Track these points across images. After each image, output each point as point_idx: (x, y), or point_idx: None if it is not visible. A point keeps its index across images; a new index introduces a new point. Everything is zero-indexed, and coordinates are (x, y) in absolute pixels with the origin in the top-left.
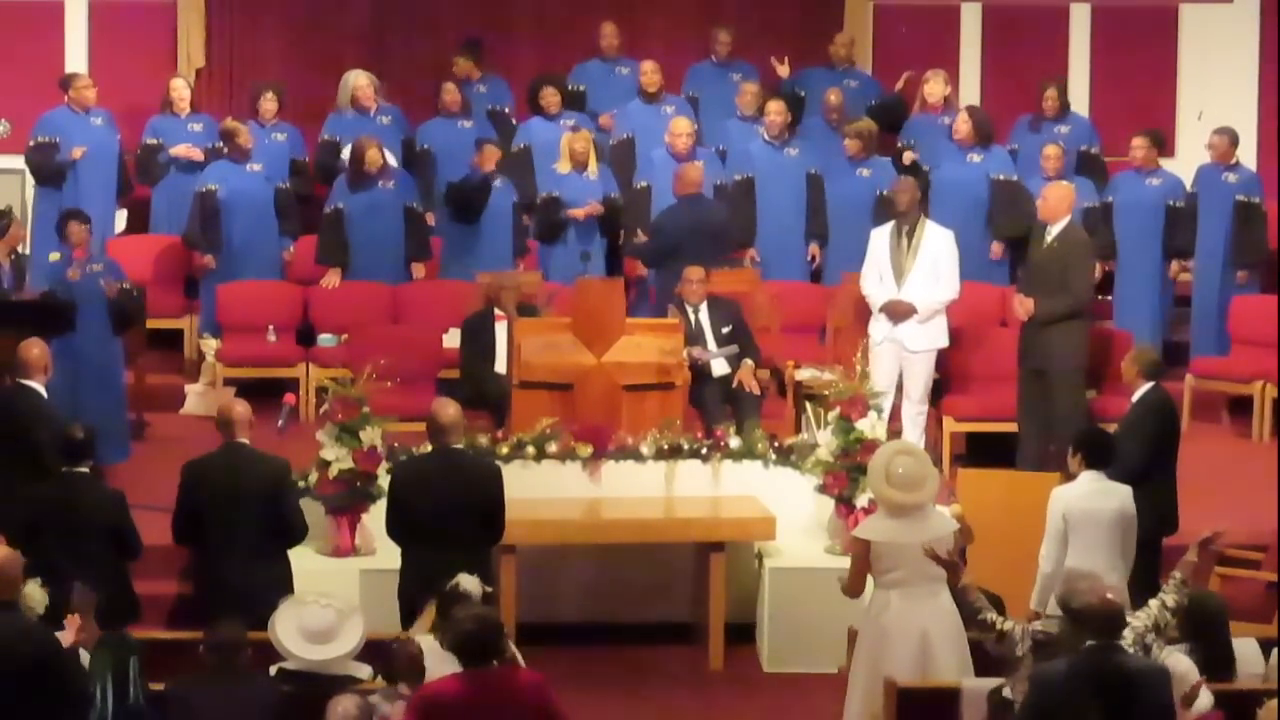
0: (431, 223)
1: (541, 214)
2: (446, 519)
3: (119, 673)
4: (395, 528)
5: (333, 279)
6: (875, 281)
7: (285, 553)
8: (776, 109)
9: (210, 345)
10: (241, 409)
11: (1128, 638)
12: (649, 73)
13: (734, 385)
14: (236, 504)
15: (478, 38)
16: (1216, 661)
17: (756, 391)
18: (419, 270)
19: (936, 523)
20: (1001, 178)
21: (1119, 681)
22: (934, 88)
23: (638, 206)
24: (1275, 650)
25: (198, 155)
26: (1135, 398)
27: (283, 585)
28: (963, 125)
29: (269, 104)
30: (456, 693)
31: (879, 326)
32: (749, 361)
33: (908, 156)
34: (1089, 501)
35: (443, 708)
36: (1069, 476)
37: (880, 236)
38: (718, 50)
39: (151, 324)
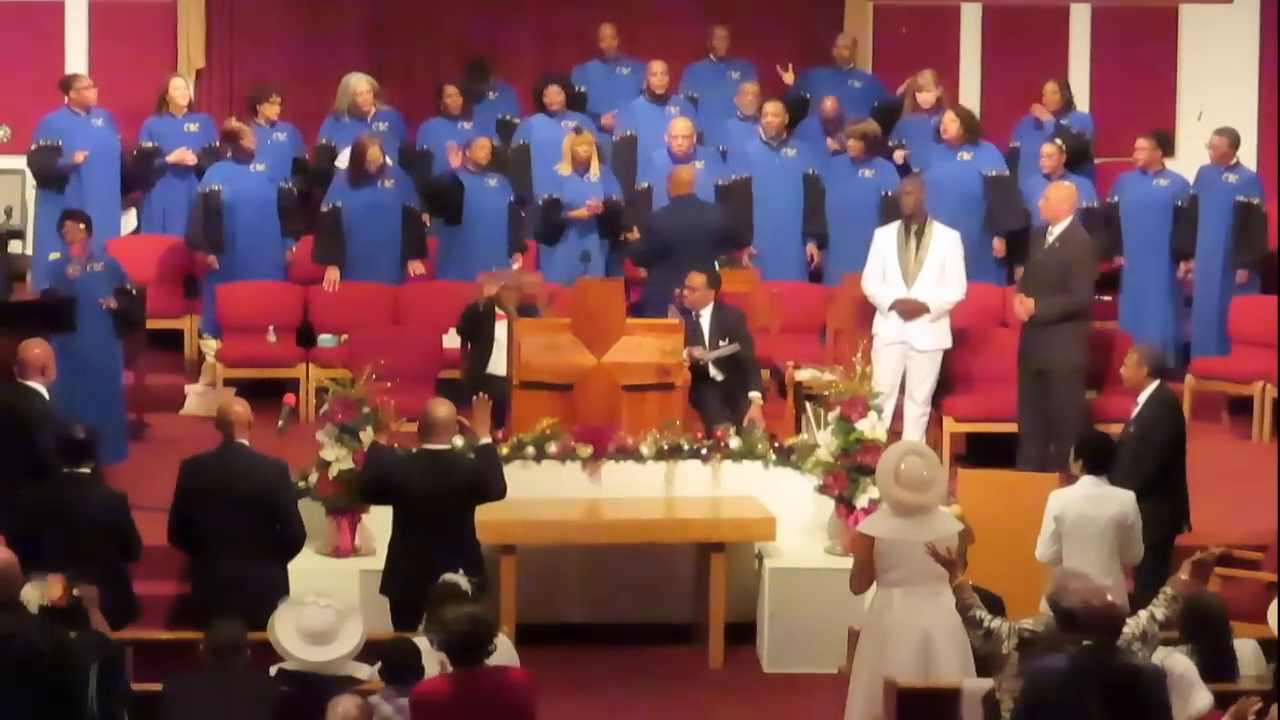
0: (428, 223)
1: (542, 216)
2: (434, 514)
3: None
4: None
5: (332, 277)
6: (878, 281)
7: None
8: (774, 110)
9: (210, 346)
10: (240, 409)
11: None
12: (658, 74)
13: (745, 423)
14: (230, 506)
15: (480, 56)
16: (1216, 663)
17: (763, 428)
18: (416, 267)
19: (941, 524)
20: (994, 174)
21: (1122, 680)
22: (925, 91)
23: (639, 207)
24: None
25: (191, 159)
26: (1145, 396)
27: (278, 587)
28: (951, 125)
29: (272, 107)
30: (447, 692)
31: (889, 326)
32: (755, 395)
33: (899, 155)
34: (1084, 506)
35: (433, 708)
36: (1070, 479)
37: (886, 236)
38: (715, 48)
39: (151, 324)
